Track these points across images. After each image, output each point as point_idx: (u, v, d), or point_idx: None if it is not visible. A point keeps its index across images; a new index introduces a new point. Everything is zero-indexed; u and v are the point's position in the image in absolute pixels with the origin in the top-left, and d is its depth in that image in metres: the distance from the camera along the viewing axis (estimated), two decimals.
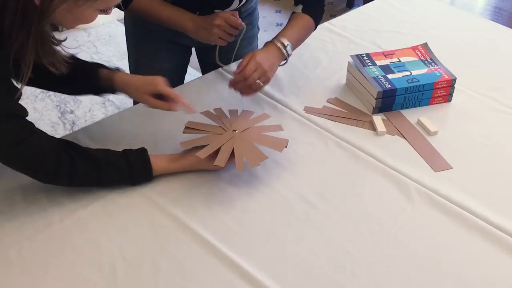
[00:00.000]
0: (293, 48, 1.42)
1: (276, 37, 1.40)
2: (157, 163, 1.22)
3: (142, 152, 1.21)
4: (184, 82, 1.73)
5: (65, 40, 1.07)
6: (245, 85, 1.32)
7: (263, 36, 1.74)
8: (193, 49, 1.75)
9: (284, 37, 1.40)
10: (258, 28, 1.75)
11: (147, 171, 1.21)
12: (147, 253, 1.09)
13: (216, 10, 1.52)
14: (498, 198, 1.23)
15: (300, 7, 1.47)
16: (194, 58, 1.79)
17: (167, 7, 1.42)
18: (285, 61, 1.42)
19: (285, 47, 1.38)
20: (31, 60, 0.99)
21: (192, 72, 2.29)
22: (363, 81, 1.51)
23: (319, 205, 1.20)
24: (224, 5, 1.52)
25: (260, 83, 1.32)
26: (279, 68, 1.65)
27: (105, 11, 1.04)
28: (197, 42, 1.64)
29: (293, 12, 1.48)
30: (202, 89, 1.55)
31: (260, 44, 1.51)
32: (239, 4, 1.53)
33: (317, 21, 1.50)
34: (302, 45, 1.75)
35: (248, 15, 1.65)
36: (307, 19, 1.47)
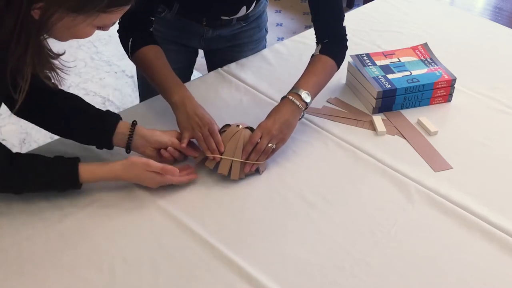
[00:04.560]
0: (312, 94, 1.32)
1: (291, 88, 1.33)
2: (86, 170, 1.15)
3: (73, 159, 1.15)
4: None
5: (63, 54, 1.07)
6: (256, 152, 1.24)
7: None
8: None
9: (298, 86, 1.32)
10: (266, 31, 1.75)
11: (74, 178, 1.13)
12: (146, 253, 1.09)
13: (223, 17, 1.52)
14: (498, 198, 1.23)
15: (319, 47, 1.40)
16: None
17: (169, 70, 1.35)
18: (303, 113, 1.33)
19: (299, 97, 1.29)
20: (28, 74, 0.98)
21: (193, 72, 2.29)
22: (363, 81, 1.51)
23: (319, 205, 1.20)
24: (231, 12, 1.52)
25: (273, 146, 1.25)
26: (279, 69, 1.65)
27: (102, 27, 1.03)
28: (205, 45, 1.65)
29: (312, 55, 1.41)
30: (202, 90, 1.55)
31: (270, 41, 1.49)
32: (246, 12, 1.53)
33: (338, 59, 1.42)
34: (302, 45, 1.76)
35: (256, 19, 1.65)
36: (325, 60, 1.39)
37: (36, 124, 1.25)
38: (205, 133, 1.25)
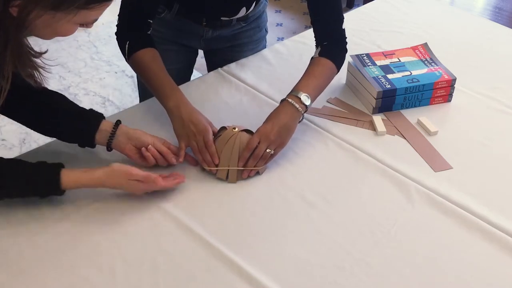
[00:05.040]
0: (312, 96, 1.31)
1: (291, 91, 1.32)
2: (69, 176, 1.12)
3: (56, 165, 1.13)
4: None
5: (45, 52, 1.06)
6: (254, 158, 1.24)
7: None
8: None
9: (299, 89, 1.31)
10: (266, 31, 1.75)
11: (55, 184, 1.11)
12: (146, 253, 1.09)
13: (223, 18, 1.52)
14: (498, 198, 1.23)
15: (318, 50, 1.40)
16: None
17: (164, 74, 1.34)
18: (302, 116, 1.32)
19: (299, 99, 1.28)
20: (9, 73, 0.97)
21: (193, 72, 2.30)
22: (363, 81, 1.51)
23: (319, 205, 1.20)
24: (230, 13, 1.52)
25: (271, 151, 1.24)
26: (279, 69, 1.65)
27: (85, 25, 1.02)
28: (205, 45, 1.65)
29: (312, 58, 1.41)
30: (202, 90, 1.55)
31: (269, 42, 1.48)
32: (246, 12, 1.53)
33: (338, 62, 1.42)
34: (302, 45, 1.76)
35: (256, 19, 1.65)
36: (325, 63, 1.38)
37: (20, 123, 1.23)
38: (200, 143, 1.24)
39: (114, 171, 1.15)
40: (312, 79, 1.35)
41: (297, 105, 1.29)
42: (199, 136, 1.24)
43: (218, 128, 1.30)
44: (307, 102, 1.30)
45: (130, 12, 1.36)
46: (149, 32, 1.38)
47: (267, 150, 1.24)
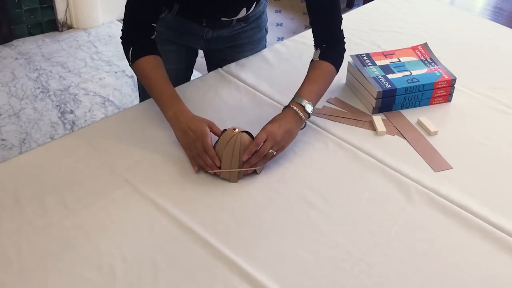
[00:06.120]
0: (314, 103, 1.34)
1: (293, 98, 1.33)
2: None
3: None
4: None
5: None
6: (258, 155, 1.24)
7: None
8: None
9: (301, 96, 1.32)
10: (266, 31, 1.75)
11: None
12: (146, 253, 1.09)
13: (223, 19, 1.52)
14: (498, 198, 1.23)
15: (318, 52, 1.41)
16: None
17: (165, 83, 1.35)
18: (305, 124, 1.35)
19: (303, 108, 1.30)
20: None
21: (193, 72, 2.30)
22: (363, 81, 1.51)
23: (319, 205, 1.20)
24: (231, 14, 1.52)
25: (273, 152, 1.26)
26: (279, 69, 1.65)
27: None
28: (205, 45, 1.65)
29: (312, 60, 1.42)
30: (202, 90, 1.55)
31: (269, 44, 1.48)
32: (246, 13, 1.53)
33: (338, 64, 1.43)
34: (302, 45, 1.76)
35: (256, 19, 1.65)
36: (325, 66, 1.39)
37: None
38: (199, 148, 1.25)
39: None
40: (314, 84, 1.36)
41: (301, 114, 1.30)
42: (198, 142, 1.25)
43: (221, 128, 1.30)
44: (310, 110, 1.32)
45: (133, 17, 1.37)
46: (153, 37, 1.38)
47: (270, 150, 1.25)
